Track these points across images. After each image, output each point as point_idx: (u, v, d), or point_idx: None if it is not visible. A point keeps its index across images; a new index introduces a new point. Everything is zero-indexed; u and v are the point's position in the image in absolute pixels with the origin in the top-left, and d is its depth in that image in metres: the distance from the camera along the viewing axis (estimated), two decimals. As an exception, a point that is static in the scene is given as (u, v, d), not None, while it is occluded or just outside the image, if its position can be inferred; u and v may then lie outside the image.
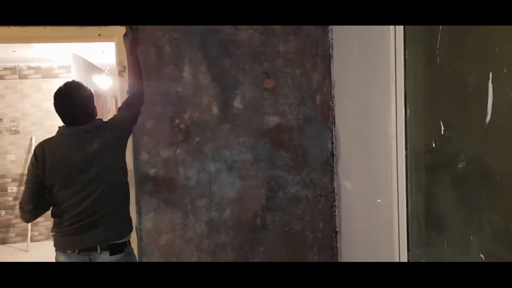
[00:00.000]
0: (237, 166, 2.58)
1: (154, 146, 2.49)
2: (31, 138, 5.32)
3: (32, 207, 1.89)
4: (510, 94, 1.26)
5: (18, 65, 5.31)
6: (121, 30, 2.39)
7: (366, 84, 2.16)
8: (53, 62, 5.30)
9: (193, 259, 2.56)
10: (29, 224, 5.20)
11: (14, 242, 5.37)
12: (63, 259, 1.92)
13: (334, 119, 2.65)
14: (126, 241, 1.99)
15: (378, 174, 2.03)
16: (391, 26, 1.81)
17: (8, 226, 5.37)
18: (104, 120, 2.02)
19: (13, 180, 5.36)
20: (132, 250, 2.05)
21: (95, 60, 4.91)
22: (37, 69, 5.35)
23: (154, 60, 2.46)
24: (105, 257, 1.91)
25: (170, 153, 2.51)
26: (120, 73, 2.44)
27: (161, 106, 2.48)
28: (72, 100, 1.91)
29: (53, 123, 5.21)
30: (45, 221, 5.27)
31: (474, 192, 1.46)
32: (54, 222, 1.96)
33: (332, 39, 2.61)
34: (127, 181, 2.09)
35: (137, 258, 2.23)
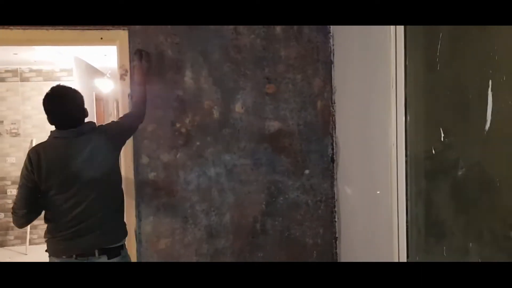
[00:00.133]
0: (238, 171, 2.59)
1: (154, 150, 2.49)
2: (31, 141, 5.33)
3: (25, 212, 1.87)
4: (510, 102, 1.27)
5: (20, 68, 5.33)
6: (123, 34, 2.41)
7: (367, 90, 2.17)
8: (55, 65, 5.32)
9: (192, 263, 2.56)
10: (28, 227, 5.19)
11: (13, 245, 5.36)
12: None
13: (334, 125, 2.65)
14: (122, 244, 2.00)
15: (378, 180, 2.04)
16: (392, 33, 1.82)
17: (7, 228, 5.37)
18: (101, 124, 2.04)
19: (13, 183, 5.36)
20: (127, 252, 2.05)
21: (97, 63, 4.93)
22: (38, 72, 5.36)
23: (155, 64, 2.47)
24: (102, 261, 1.91)
25: (171, 157, 2.51)
26: (122, 77, 2.45)
27: (162, 110, 2.49)
28: (63, 103, 1.90)
29: (54, 127, 5.23)
30: (44, 224, 5.26)
31: (473, 198, 1.46)
32: (48, 227, 1.94)
33: (333, 45, 2.63)
34: (121, 185, 2.10)
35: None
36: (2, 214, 5.36)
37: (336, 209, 2.70)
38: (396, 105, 1.83)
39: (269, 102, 2.60)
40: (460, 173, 1.51)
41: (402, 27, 1.78)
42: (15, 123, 5.35)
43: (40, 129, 5.32)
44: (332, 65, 2.64)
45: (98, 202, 1.92)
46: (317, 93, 2.65)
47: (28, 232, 5.22)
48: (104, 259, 1.91)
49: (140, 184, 2.47)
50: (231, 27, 2.54)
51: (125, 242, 2.04)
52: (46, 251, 1.95)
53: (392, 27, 1.81)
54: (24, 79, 5.35)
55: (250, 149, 2.60)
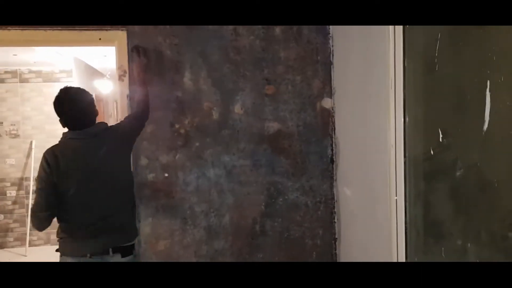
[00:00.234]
0: (237, 172, 2.58)
1: (153, 151, 2.49)
2: (31, 142, 5.32)
3: (48, 214, 1.85)
4: (508, 102, 1.27)
5: (19, 69, 5.33)
6: (121, 34, 2.40)
7: (366, 92, 2.17)
8: (55, 66, 5.32)
9: (191, 264, 2.55)
10: (28, 228, 5.19)
11: (13, 247, 5.35)
12: None
13: (334, 126, 2.65)
14: (133, 243, 2.03)
15: (377, 181, 2.04)
16: (390, 34, 1.82)
17: (6, 230, 5.36)
18: (108, 124, 2.04)
19: (12, 184, 5.35)
20: (137, 252, 2.07)
21: (96, 64, 4.93)
22: (38, 73, 5.36)
23: (154, 65, 2.47)
24: (116, 259, 1.92)
25: (170, 158, 2.51)
26: (120, 78, 2.45)
27: (161, 111, 2.49)
28: (76, 104, 1.92)
29: (53, 128, 5.23)
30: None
31: (472, 199, 1.46)
32: (61, 227, 1.93)
33: (332, 46, 2.63)
34: (133, 184, 2.13)
35: None
36: (2, 216, 5.36)
37: (335, 210, 2.70)
38: (395, 106, 1.83)
39: (268, 103, 2.60)
40: (458, 174, 1.51)
41: (400, 28, 1.78)
42: (14, 124, 5.34)
43: (40, 130, 5.32)
44: (332, 66, 2.64)
45: (114, 201, 1.95)
46: (316, 94, 2.64)
47: (28, 234, 5.21)
48: (117, 257, 1.93)
49: (139, 186, 2.47)
50: (231, 28, 2.54)
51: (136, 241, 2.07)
52: (57, 250, 1.95)
53: (391, 28, 1.81)
54: (23, 80, 5.35)
55: (250, 150, 2.59)
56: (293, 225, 2.66)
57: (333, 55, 2.63)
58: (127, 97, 2.44)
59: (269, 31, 2.58)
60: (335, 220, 2.70)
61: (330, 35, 2.63)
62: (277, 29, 2.59)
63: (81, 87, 2.00)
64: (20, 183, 5.31)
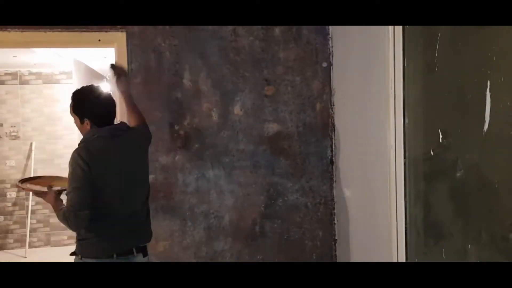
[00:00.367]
0: (236, 173, 2.58)
1: (153, 152, 2.48)
2: (31, 144, 5.32)
3: (87, 213, 1.79)
4: (508, 103, 1.26)
5: (19, 71, 5.32)
6: (121, 35, 2.40)
7: (366, 92, 2.16)
8: (55, 67, 5.31)
9: (191, 266, 2.55)
10: (28, 230, 5.18)
11: (12, 248, 5.34)
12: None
13: (333, 127, 2.65)
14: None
15: (377, 182, 2.03)
16: (390, 35, 1.82)
17: (6, 232, 5.35)
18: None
19: (12, 186, 5.34)
20: None
21: (96, 66, 4.92)
22: (38, 75, 5.36)
23: (154, 66, 2.47)
24: (139, 259, 1.90)
25: (169, 160, 2.51)
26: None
27: (160, 112, 2.48)
28: (109, 100, 1.93)
29: (53, 129, 5.22)
30: (44, 227, 5.25)
31: (472, 200, 1.46)
32: (90, 227, 1.83)
33: (332, 47, 2.62)
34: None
35: None
36: (2, 217, 5.35)
37: (335, 211, 2.69)
38: (395, 107, 1.82)
39: (268, 104, 2.60)
40: (458, 174, 1.50)
41: (400, 29, 1.78)
42: (14, 126, 5.33)
43: (40, 132, 5.31)
44: (331, 67, 2.64)
45: (139, 200, 1.94)
46: (316, 95, 2.64)
47: (28, 236, 5.20)
48: (140, 257, 1.91)
49: (139, 187, 2.46)
50: (230, 29, 2.54)
51: None
52: (72, 253, 1.89)
53: (391, 29, 1.81)
54: (23, 82, 5.34)
55: (249, 151, 2.59)
56: (293, 226, 2.66)
57: (332, 56, 2.63)
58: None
59: (269, 31, 2.58)
60: (335, 221, 2.69)
61: (330, 35, 2.63)
62: (277, 30, 2.58)
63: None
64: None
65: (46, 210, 5.21)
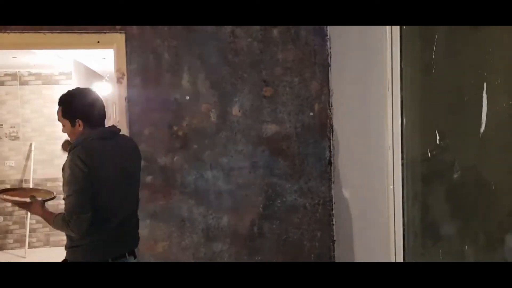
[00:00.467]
0: (235, 174, 2.58)
1: (151, 153, 2.49)
2: (30, 144, 5.32)
3: (89, 215, 1.75)
4: (505, 104, 1.27)
5: (19, 71, 5.33)
6: (120, 37, 2.41)
7: (364, 93, 2.17)
8: (54, 68, 5.32)
9: (190, 267, 2.55)
10: (27, 230, 5.19)
11: (12, 249, 5.34)
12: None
13: (332, 128, 2.65)
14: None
15: (375, 183, 2.03)
16: (388, 36, 1.82)
17: (6, 232, 5.35)
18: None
19: (12, 186, 5.35)
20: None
21: (96, 67, 4.93)
22: (38, 75, 5.36)
23: (153, 67, 2.47)
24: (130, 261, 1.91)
25: (168, 160, 2.51)
26: (119, 80, 2.45)
27: (159, 113, 2.49)
28: (99, 100, 1.90)
29: (53, 130, 5.22)
30: (44, 228, 5.25)
31: (469, 201, 1.46)
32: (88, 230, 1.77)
33: (330, 48, 2.63)
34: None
35: None
36: (1, 218, 5.35)
37: (333, 212, 2.69)
38: (392, 108, 1.83)
39: (266, 105, 2.60)
40: (455, 175, 1.51)
41: (397, 30, 1.78)
42: (14, 127, 5.34)
43: (39, 132, 5.32)
44: (330, 68, 2.64)
45: (132, 203, 1.94)
46: (314, 96, 2.64)
47: (27, 236, 5.21)
48: (131, 259, 1.91)
49: (137, 187, 2.47)
50: (228, 30, 2.54)
51: None
52: (64, 261, 1.85)
53: (388, 30, 1.82)
54: (23, 83, 5.35)
55: (248, 152, 2.59)
56: (291, 227, 2.66)
57: (331, 57, 2.63)
58: (125, 99, 2.44)
59: (267, 33, 2.58)
60: (334, 222, 2.70)
61: (328, 36, 2.63)
62: (275, 31, 2.59)
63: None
64: (19, 185, 5.30)
65: (45, 211, 5.21)
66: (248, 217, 2.61)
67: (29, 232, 5.23)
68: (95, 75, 4.74)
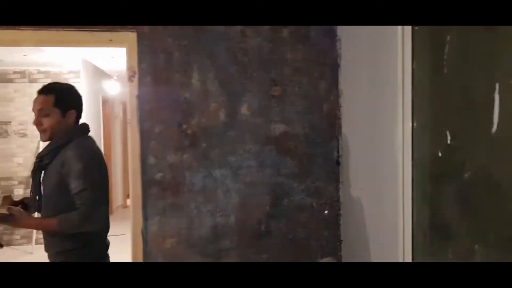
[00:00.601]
0: (243, 173, 2.60)
1: (161, 151, 2.51)
2: (38, 142, 5.37)
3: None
4: (517, 105, 1.27)
5: (28, 69, 5.38)
6: (132, 36, 2.43)
7: (373, 94, 2.17)
8: (63, 66, 5.37)
9: (197, 264, 2.57)
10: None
11: (19, 244, 5.39)
12: None
13: (340, 128, 2.66)
14: None
15: (384, 183, 2.04)
16: (399, 36, 1.83)
17: (13, 228, 5.39)
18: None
19: (20, 183, 5.40)
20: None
21: (104, 66, 4.96)
22: (46, 73, 5.41)
23: (163, 66, 2.50)
24: None
25: (177, 158, 2.53)
26: (130, 78, 2.47)
27: (169, 112, 2.51)
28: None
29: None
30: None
31: (479, 201, 1.46)
32: (83, 237, 1.75)
33: (340, 48, 2.64)
34: None
35: None
36: (9, 214, 5.39)
37: (341, 212, 2.70)
38: (403, 108, 1.83)
39: (275, 105, 2.61)
40: (466, 176, 1.51)
41: (409, 30, 1.79)
42: (22, 124, 5.39)
43: (47, 130, 5.37)
44: (339, 69, 2.65)
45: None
46: (323, 96, 2.65)
47: (34, 232, 5.25)
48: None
49: (147, 184, 2.49)
50: (238, 30, 2.56)
51: None
52: None
53: (399, 30, 1.82)
54: (32, 80, 5.40)
55: (256, 151, 2.61)
56: (298, 226, 2.67)
57: (340, 58, 2.64)
58: (136, 97, 2.47)
59: (277, 32, 2.60)
60: (341, 222, 2.71)
61: (338, 37, 2.64)
62: (285, 31, 2.60)
63: None
64: (27, 182, 5.34)
65: (52, 208, 5.25)
66: (255, 216, 2.62)
67: (36, 228, 5.26)
68: (103, 74, 4.77)
